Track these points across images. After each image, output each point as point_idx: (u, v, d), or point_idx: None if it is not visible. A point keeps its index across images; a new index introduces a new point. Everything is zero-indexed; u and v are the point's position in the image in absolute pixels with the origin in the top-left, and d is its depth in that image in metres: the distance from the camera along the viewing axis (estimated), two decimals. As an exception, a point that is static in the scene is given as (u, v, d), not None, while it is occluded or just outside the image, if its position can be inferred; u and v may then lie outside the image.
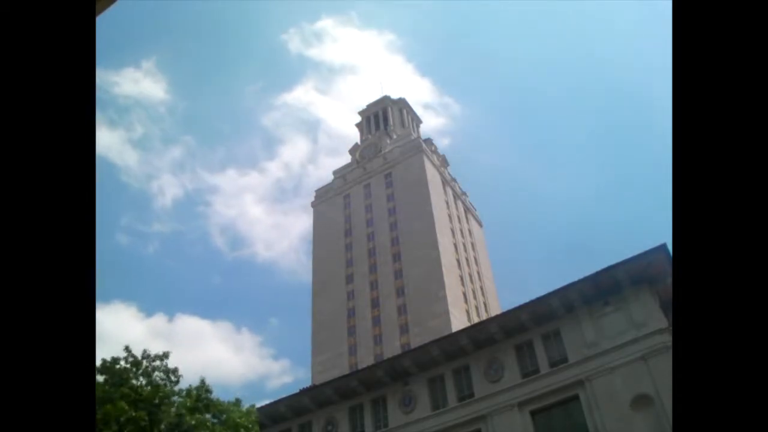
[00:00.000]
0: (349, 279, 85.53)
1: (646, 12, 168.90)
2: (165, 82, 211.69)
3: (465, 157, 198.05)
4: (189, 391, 24.85)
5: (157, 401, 22.77)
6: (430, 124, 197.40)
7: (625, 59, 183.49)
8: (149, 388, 23.22)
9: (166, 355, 24.58)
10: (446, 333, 48.07)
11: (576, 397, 27.89)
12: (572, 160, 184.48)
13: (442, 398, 31.60)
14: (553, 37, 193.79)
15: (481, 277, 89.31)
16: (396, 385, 33.08)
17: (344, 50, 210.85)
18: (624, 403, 26.31)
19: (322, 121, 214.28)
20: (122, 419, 21.45)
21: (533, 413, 28.63)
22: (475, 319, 74.05)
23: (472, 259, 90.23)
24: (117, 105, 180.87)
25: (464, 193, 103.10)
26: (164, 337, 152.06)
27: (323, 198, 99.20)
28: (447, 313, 72.94)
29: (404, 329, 75.49)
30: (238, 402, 26.63)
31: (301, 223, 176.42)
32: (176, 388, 24.41)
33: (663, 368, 25.67)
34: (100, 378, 23.33)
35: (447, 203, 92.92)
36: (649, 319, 27.85)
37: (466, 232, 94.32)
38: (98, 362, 23.88)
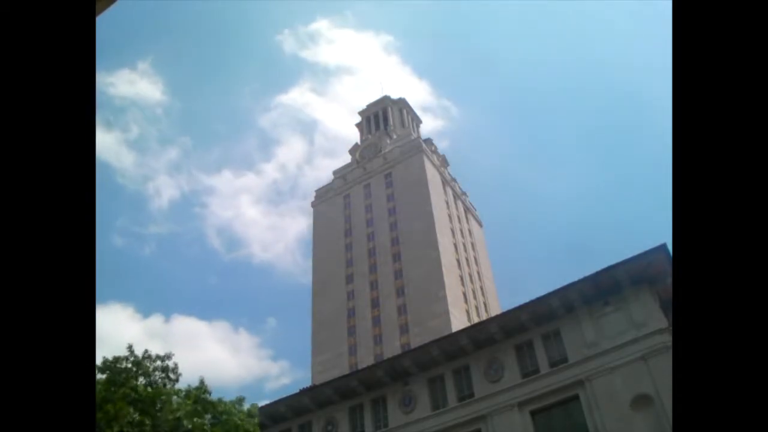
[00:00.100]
0: (349, 279, 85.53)
1: (646, 12, 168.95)
2: (161, 83, 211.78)
3: (464, 158, 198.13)
4: (188, 392, 24.84)
5: (159, 405, 22.78)
6: (429, 126, 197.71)
7: (624, 59, 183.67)
8: (149, 388, 23.23)
9: (168, 356, 24.62)
10: (446, 333, 48.05)
11: (576, 397, 27.88)
12: (572, 160, 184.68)
13: (442, 398, 31.59)
14: (552, 37, 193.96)
15: (481, 277, 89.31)
16: (396, 385, 33.08)
17: (340, 51, 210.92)
18: (624, 403, 26.31)
19: (319, 122, 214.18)
20: (124, 421, 21.45)
21: (533, 413, 28.63)
22: (475, 319, 74.05)
23: (472, 259, 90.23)
24: (113, 106, 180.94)
25: (464, 193, 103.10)
26: (161, 338, 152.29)
27: (323, 198, 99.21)
28: (447, 313, 72.94)
29: (404, 329, 75.50)
30: (240, 400, 26.58)
31: (298, 224, 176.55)
32: (176, 387, 24.44)
33: (663, 368, 25.66)
34: (101, 376, 23.37)
35: (447, 203, 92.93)
36: (649, 319, 27.85)
37: (466, 232, 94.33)
38: (100, 361, 23.93)
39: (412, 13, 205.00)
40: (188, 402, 24.02)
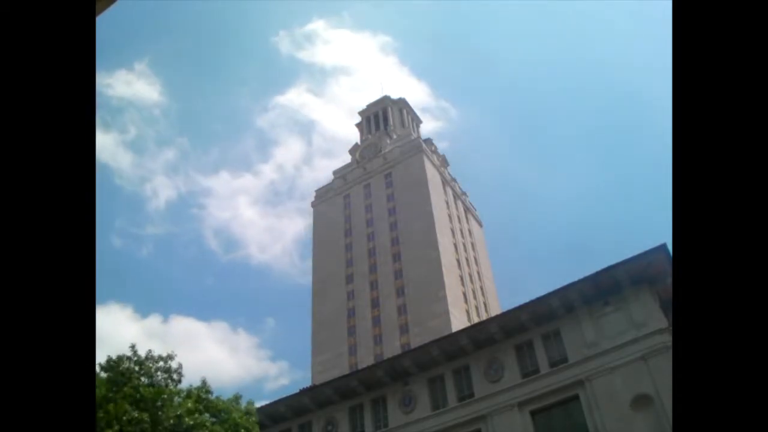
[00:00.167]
0: (349, 279, 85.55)
1: (645, 12, 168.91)
2: (159, 84, 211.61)
3: (464, 159, 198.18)
4: (189, 391, 24.89)
5: (159, 403, 22.80)
6: (428, 127, 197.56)
7: (624, 59, 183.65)
8: (151, 388, 23.25)
9: (170, 357, 24.64)
10: (446, 333, 48.07)
11: (576, 397, 27.89)
12: (572, 160, 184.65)
13: (442, 398, 31.60)
14: (552, 37, 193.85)
15: (481, 277, 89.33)
16: (396, 385, 33.09)
17: (337, 52, 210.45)
18: (624, 403, 26.31)
19: (316, 123, 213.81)
20: (124, 419, 21.49)
21: (533, 413, 28.64)
22: (475, 319, 74.06)
23: (472, 259, 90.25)
24: (110, 106, 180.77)
25: (464, 193, 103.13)
26: (159, 338, 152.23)
27: (323, 198, 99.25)
28: (447, 313, 72.95)
29: (404, 329, 75.51)
30: (237, 398, 26.63)
31: (295, 226, 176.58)
32: (178, 387, 24.48)
33: (663, 368, 25.67)
34: (103, 375, 23.40)
35: (447, 203, 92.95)
36: (649, 319, 27.86)
37: (466, 232, 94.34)
38: (103, 360, 23.98)
39: (410, 14, 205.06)
40: (189, 401, 24.04)
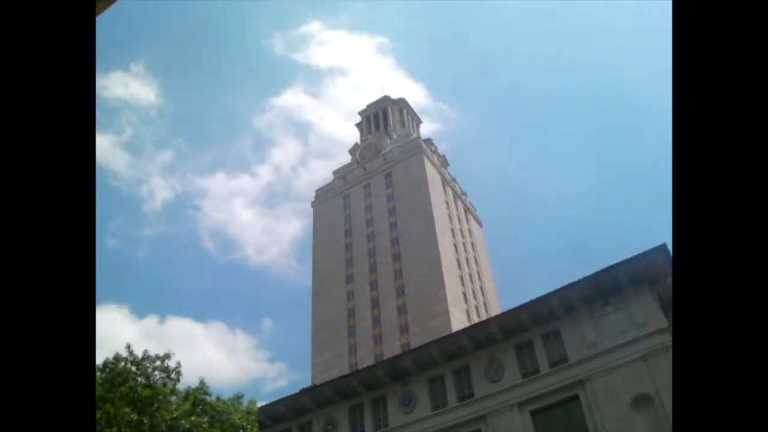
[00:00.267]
0: (349, 279, 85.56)
1: (645, 12, 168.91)
2: (155, 86, 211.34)
3: (463, 159, 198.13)
4: (187, 393, 24.80)
5: (156, 405, 22.75)
6: (426, 129, 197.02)
7: (624, 59, 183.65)
8: (148, 389, 23.21)
9: (167, 356, 24.60)
10: (446, 333, 48.05)
11: (576, 397, 27.89)
12: (572, 160, 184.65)
13: (442, 398, 31.59)
14: (551, 37, 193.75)
15: (481, 277, 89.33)
16: (396, 385, 33.09)
17: (333, 53, 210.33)
18: (624, 403, 26.31)
19: (313, 124, 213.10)
20: (123, 421, 21.45)
21: (533, 413, 28.63)
22: (475, 319, 74.06)
23: (472, 259, 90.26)
24: (107, 108, 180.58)
25: (464, 193, 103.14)
26: (156, 339, 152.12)
27: (323, 198, 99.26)
28: (447, 313, 72.96)
29: (404, 329, 75.52)
30: (238, 398, 26.58)
31: (292, 227, 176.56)
32: (176, 387, 24.42)
33: (663, 368, 25.67)
34: (100, 375, 23.36)
35: (447, 203, 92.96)
36: (649, 319, 27.85)
37: (466, 232, 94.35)
38: (100, 361, 23.93)
39: (406, 15, 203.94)
40: (187, 403, 23.98)
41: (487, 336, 31.46)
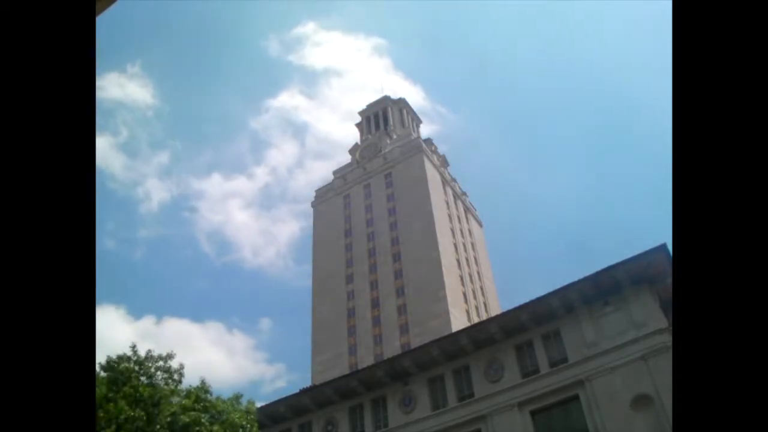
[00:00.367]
0: (349, 279, 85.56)
1: (645, 12, 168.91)
2: (151, 87, 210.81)
3: (463, 159, 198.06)
4: (189, 392, 24.88)
5: (155, 401, 22.80)
6: (424, 131, 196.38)
7: (624, 59, 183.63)
8: (150, 388, 23.26)
9: (170, 356, 24.64)
10: (446, 333, 48.04)
11: (576, 397, 27.89)
12: (572, 160, 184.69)
13: (442, 398, 31.59)
14: (550, 37, 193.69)
15: (481, 277, 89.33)
16: (396, 385, 33.08)
17: (329, 54, 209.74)
18: (624, 403, 26.31)
19: (310, 125, 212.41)
20: (121, 418, 21.51)
21: (533, 413, 28.63)
22: (475, 319, 74.06)
23: (472, 259, 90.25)
24: (102, 109, 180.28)
25: (464, 193, 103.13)
26: (153, 340, 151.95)
27: (323, 198, 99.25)
28: (447, 313, 72.96)
29: (404, 329, 75.51)
30: (237, 397, 26.63)
31: (290, 229, 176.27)
32: (177, 388, 24.46)
33: (663, 368, 25.66)
34: (103, 375, 23.42)
35: (447, 203, 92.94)
36: (649, 319, 27.85)
37: (466, 232, 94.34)
38: (103, 360, 24.00)
39: (402, 15, 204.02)
40: (188, 401, 24.04)
41: (487, 336, 31.46)
